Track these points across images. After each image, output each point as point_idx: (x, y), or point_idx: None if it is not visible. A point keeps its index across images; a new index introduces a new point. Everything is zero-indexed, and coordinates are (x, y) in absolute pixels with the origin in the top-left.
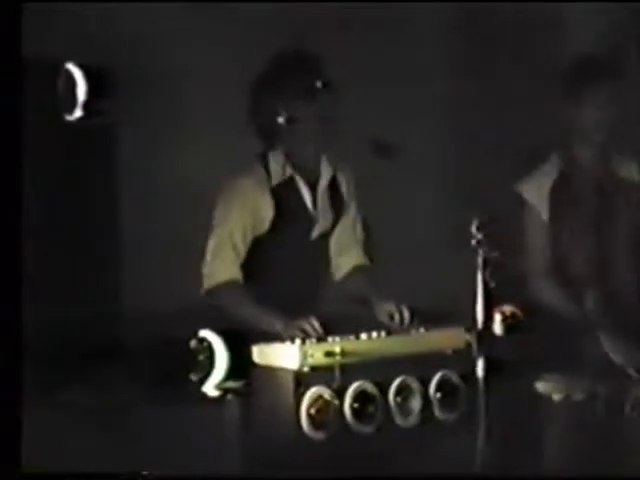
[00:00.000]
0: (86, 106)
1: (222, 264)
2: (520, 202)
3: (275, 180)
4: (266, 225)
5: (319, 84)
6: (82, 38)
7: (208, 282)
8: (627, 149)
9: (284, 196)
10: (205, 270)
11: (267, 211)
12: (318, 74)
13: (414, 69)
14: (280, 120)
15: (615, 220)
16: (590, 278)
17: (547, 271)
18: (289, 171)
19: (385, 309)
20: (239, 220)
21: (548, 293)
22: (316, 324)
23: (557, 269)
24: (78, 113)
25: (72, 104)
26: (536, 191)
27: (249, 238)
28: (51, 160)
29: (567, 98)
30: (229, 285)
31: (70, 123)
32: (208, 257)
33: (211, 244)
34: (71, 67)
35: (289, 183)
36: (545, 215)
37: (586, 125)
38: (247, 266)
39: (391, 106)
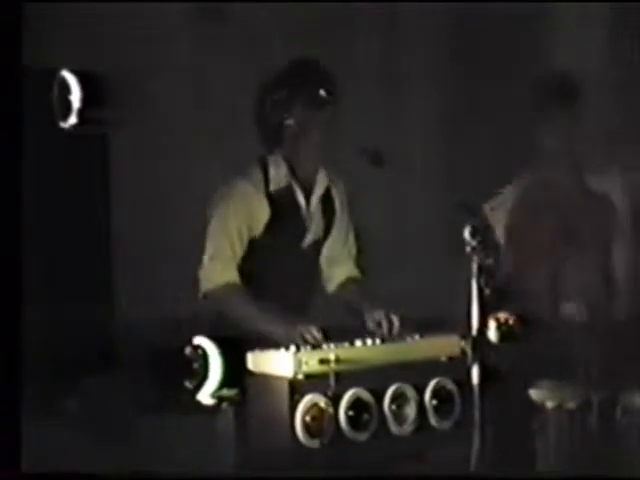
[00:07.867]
0: (81, 113)
1: (220, 267)
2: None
3: (273, 185)
4: (260, 228)
5: (323, 92)
6: (77, 46)
7: (205, 285)
8: (597, 164)
9: (280, 200)
10: (202, 273)
11: (263, 214)
12: (332, 86)
13: (407, 82)
14: (288, 122)
15: (583, 237)
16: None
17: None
18: (287, 178)
19: (374, 317)
20: (235, 222)
21: None
22: (315, 333)
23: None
24: (73, 120)
25: (67, 111)
26: (495, 213)
27: (245, 240)
28: (46, 166)
29: (533, 116)
30: (227, 288)
31: (65, 130)
32: (205, 260)
33: (209, 246)
34: (66, 74)
35: (286, 189)
36: (501, 238)
37: (552, 144)
38: (239, 269)
39: (382, 119)
